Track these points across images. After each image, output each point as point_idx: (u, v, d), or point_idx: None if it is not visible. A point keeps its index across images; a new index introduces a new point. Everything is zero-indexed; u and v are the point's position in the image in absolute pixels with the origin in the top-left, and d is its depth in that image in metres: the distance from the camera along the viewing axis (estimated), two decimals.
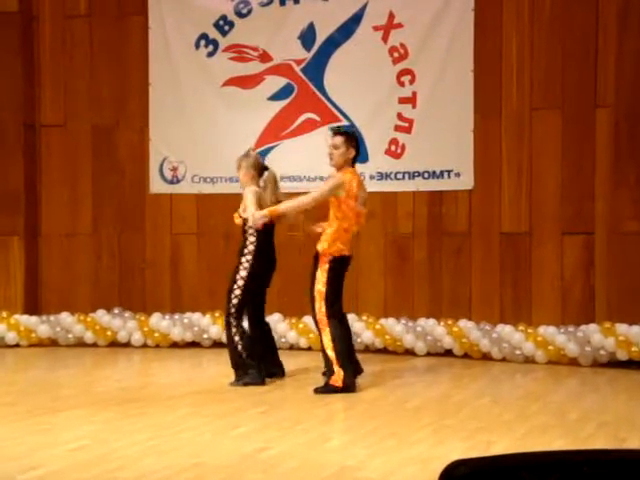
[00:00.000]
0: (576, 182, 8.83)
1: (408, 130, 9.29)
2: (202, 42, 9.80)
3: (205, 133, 9.79)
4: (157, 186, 9.97)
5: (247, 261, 7.42)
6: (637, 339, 8.28)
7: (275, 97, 9.65)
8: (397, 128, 9.31)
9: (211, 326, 9.54)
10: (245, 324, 7.58)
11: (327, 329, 7.20)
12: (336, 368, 7.15)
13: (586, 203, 8.79)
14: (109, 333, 9.73)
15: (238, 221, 7.56)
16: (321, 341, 7.32)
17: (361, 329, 9.11)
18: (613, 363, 8.43)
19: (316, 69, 9.53)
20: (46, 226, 10.17)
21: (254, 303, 7.62)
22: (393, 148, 9.33)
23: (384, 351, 9.18)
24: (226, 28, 9.75)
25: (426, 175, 9.24)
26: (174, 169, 9.91)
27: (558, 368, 8.49)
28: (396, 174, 9.33)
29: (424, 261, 9.30)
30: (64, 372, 8.61)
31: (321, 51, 9.51)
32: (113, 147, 10.07)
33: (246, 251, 7.44)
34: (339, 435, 6.19)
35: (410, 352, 9.11)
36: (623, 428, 6.04)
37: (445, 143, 9.14)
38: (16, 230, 10.02)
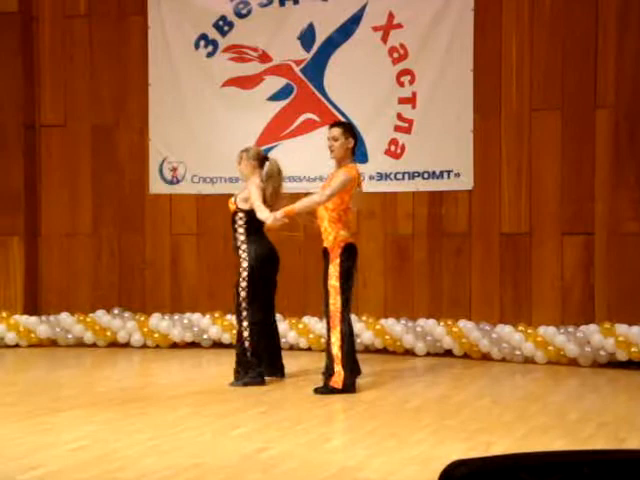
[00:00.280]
0: (576, 183, 8.83)
1: (408, 130, 9.29)
2: (202, 42, 9.80)
3: (205, 133, 9.79)
4: (157, 186, 9.98)
5: (244, 251, 7.47)
6: (637, 339, 8.28)
7: (275, 97, 9.65)
8: (397, 128, 9.31)
9: (211, 326, 9.54)
10: (257, 319, 7.51)
11: (338, 327, 7.13)
12: (337, 368, 7.14)
13: (586, 203, 8.79)
14: (109, 333, 9.73)
15: (231, 207, 7.58)
16: (328, 338, 7.27)
17: (361, 329, 9.11)
18: (613, 363, 8.43)
19: (316, 69, 9.53)
20: (46, 226, 10.18)
21: (261, 293, 7.58)
22: (393, 148, 9.33)
23: (384, 351, 9.18)
24: (226, 28, 9.75)
25: (426, 175, 9.24)
26: (174, 169, 9.91)
27: (558, 368, 8.49)
28: (396, 174, 9.33)
29: (424, 261, 9.30)
30: (64, 372, 8.61)
31: (321, 51, 9.52)
32: (113, 147, 10.07)
33: (239, 243, 7.50)
34: (339, 435, 6.19)
35: (410, 352, 9.11)
36: (623, 428, 6.05)
37: (445, 143, 9.15)
38: (16, 230, 10.02)
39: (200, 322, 9.59)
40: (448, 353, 9.03)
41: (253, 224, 7.42)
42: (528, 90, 8.95)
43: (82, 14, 10.07)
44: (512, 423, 6.20)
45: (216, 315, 9.53)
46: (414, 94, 9.26)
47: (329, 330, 7.23)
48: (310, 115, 9.56)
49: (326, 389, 7.16)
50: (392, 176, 9.34)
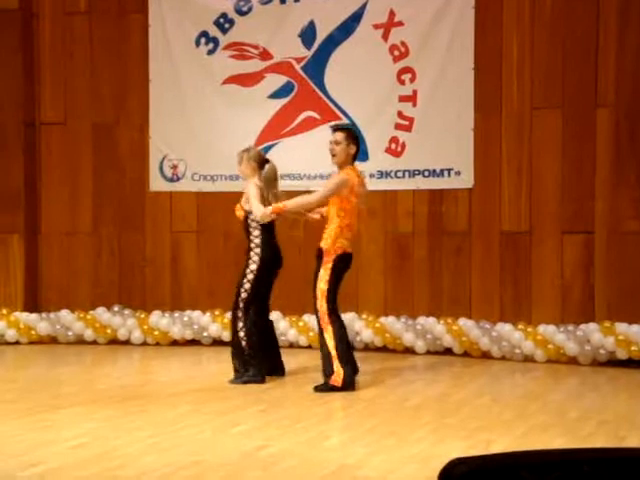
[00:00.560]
0: (576, 181, 8.83)
1: (408, 128, 9.29)
2: (202, 40, 9.80)
3: (205, 131, 9.79)
4: (157, 184, 9.98)
5: (256, 254, 7.46)
6: (637, 338, 8.29)
7: (275, 95, 9.65)
8: (397, 126, 9.31)
9: (211, 324, 9.54)
10: (252, 319, 7.55)
11: (330, 327, 7.20)
12: (336, 367, 7.16)
13: (586, 202, 8.79)
14: (109, 331, 9.73)
15: (240, 213, 7.58)
16: (321, 339, 7.32)
17: (361, 327, 9.11)
18: (613, 362, 8.43)
19: (316, 67, 9.53)
20: (46, 224, 10.18)
21: (259, 296, 7.61)
22: (393, 146, 9.33)
23: (384, 349, 9.18)
24: (226, 26, 9.75)
25: (426, 173, 9.24)
26: (174, 167, 9.91)
27: (558, 367, 8.49)
28: (396, 172, 9.33)
29: (424, 260, 9.30)
30: (64, 370, 8.61)
31: (321, 49, 9.51)
32: (113, 145, 10.07)
33: (253, 245, 7.48)
34: (339, 433, 6.19)
35: (410, 350, 9.11)
36: (623, 427, 6.05)
37: (445, 141, 9.14)
38: (16, 228, 10.02)
39: (200, 320, 9.60)
40: (448, 351, 9.03)
41: (264, 226, 7.43)
42: (529, 88, 8.95)
43: (82, 11, 10.07)
44: (512, 421, 6.20)
45: (216, 313, 9.53)
46: (415, 92, 9.26)
47: (321, 332, 7.29)
48: (311, 113, 9.55)
49: (326, 387, 7.17)
50: (392, 174, 9.34)
